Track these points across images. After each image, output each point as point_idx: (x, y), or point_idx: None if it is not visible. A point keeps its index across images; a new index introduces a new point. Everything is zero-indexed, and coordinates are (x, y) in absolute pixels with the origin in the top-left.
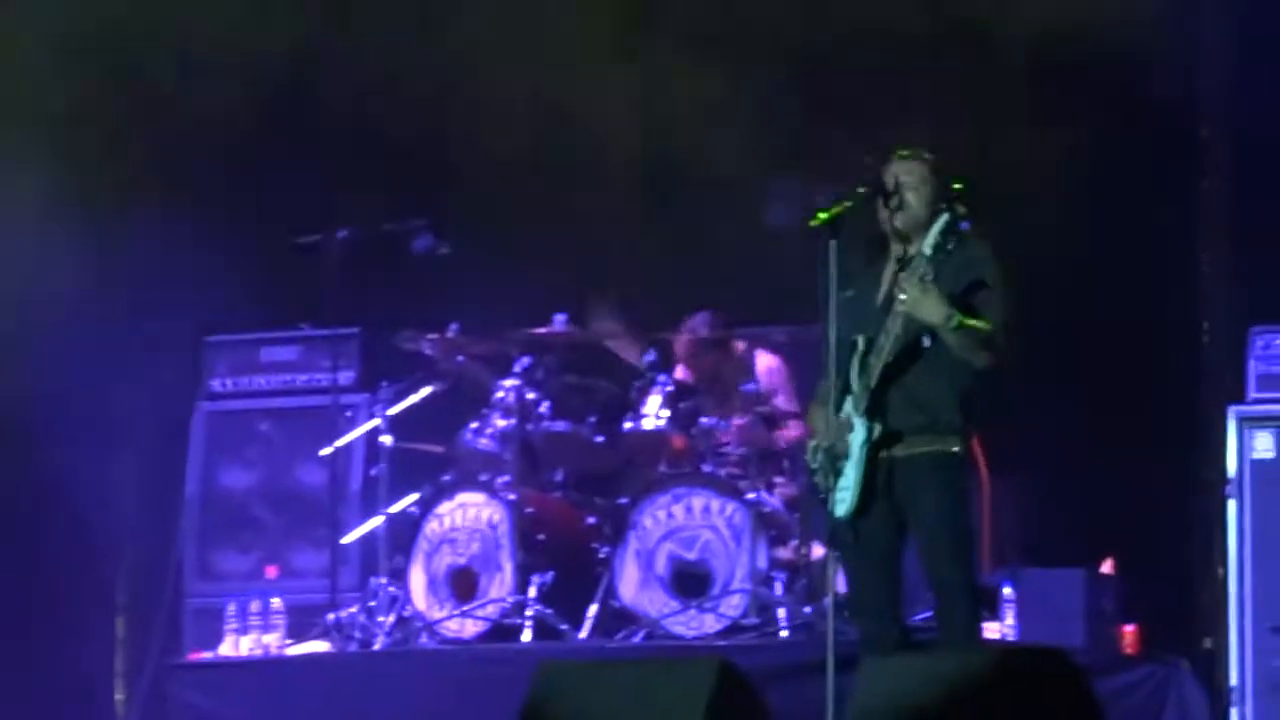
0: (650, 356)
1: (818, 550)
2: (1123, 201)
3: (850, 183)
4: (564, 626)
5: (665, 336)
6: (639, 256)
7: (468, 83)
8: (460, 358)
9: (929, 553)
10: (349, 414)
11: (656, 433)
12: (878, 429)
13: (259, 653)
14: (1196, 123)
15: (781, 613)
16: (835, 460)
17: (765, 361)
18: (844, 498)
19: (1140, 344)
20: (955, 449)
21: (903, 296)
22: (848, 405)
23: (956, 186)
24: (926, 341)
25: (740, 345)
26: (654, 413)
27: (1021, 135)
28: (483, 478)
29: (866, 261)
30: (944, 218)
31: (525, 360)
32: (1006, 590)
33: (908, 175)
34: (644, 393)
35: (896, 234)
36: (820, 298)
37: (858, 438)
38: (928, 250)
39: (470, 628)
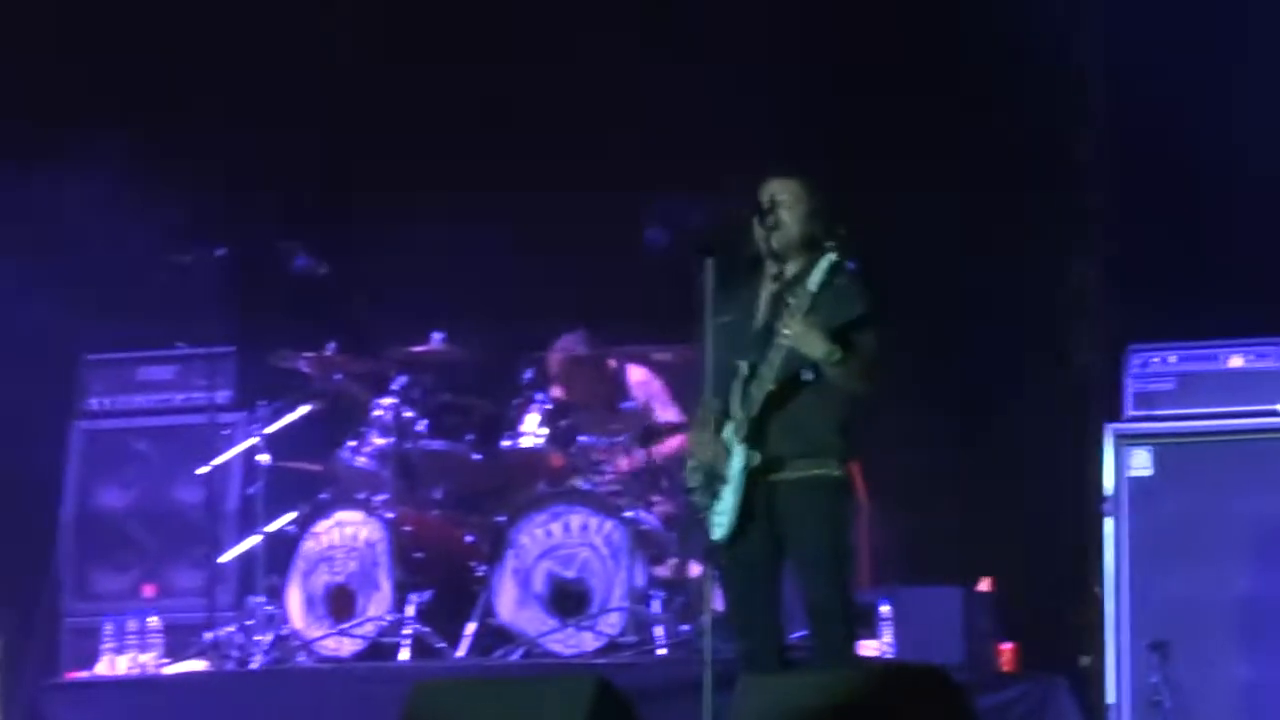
0: (528, 375)
1: (696, 568)
2: (1000, 222)
3: (726, 202)
4: (441, 645)
5: (541, 355)
6: (513, 275)
7: (351, 100)
8: (337, 376)
9: (805, 575)
10: (226, 433)
11: (535, 451)
12: (757, 457)
13: (136, 672)
14: (1075, 143)
15: (659, 631)
16: (713, 482)
17: (637, 375)
18: (721, 521)
19: (1017, 362)
20: (836, 473)
21: (786, 332)
22: (728, 429)
23: (841, 232)
24: (808, 375)
25: (612, 363)
26: (532, 431)
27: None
28: (360, 496)
29: (743, 281)
30: (830, 258)
31: (402, 379)
32: (884, 609)
33: (783, 194)
34: (522, 411)
35: (772, 253)
36: (697, 321)
37: (737, 464)
38: (813, 288)
39: (348, 646)
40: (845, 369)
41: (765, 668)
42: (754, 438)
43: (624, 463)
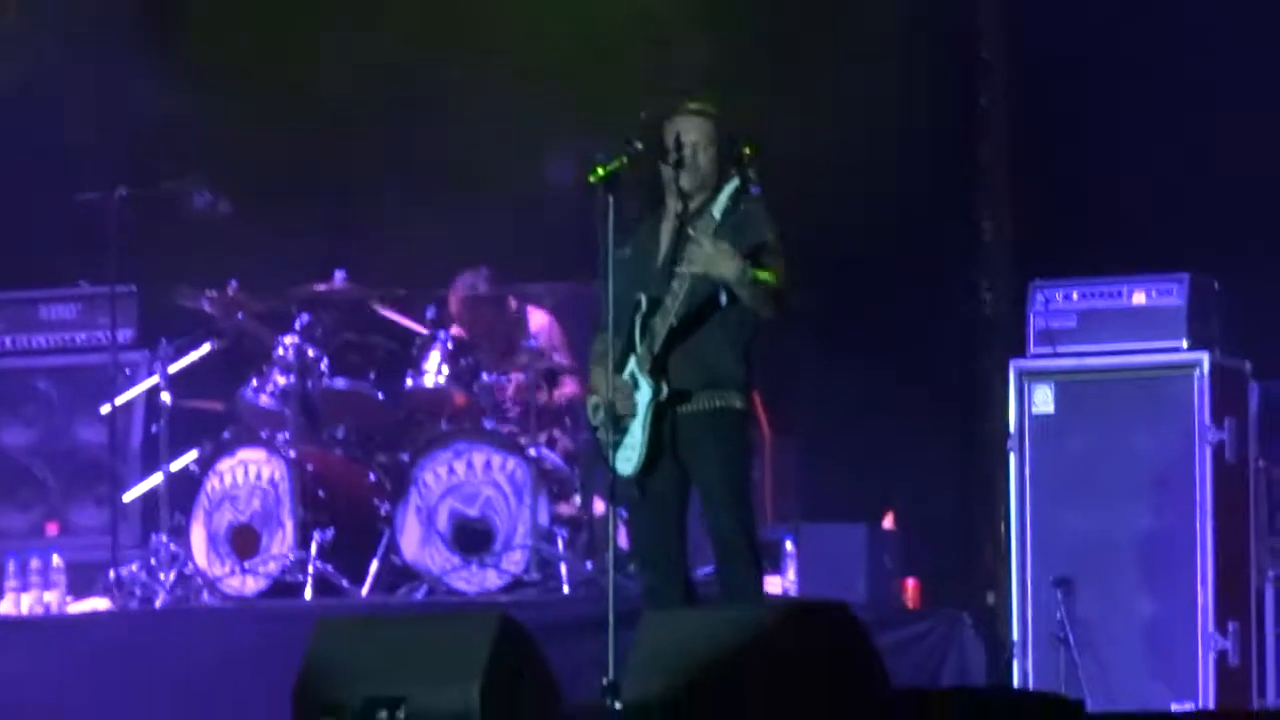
0: (430, 313)
1: (599, 506)
2: (903, 161)
3: (628, 139)
4: (345, 583)
5: (443, 293)
6: (414, 213)
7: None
8: (240, 315)
9: (710, 508)
10: (128, 372)
11: (437, 389)
12: (664, 389)
13: (40, 610)
14: (976, 86)
15: (563, 568)
16: (619, 419)
17: (538, 320)
18: (629, 455)
19: (921, 300)
20: (738, 404)
21: (693, 260)
22: (631, 364)
23: (747, 151)
24: (722, 299)
25: (513, 303)
26: (434, 370)
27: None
28: (263, 435)
29: (642, 218)
30: (735, 183)
31: (305, 317)
32: (788, 545)
33: (694, 133)
34: (424, 350)
35: (679, 192)
36: (599, 255)
37: (643, 397)
38: (717, 214)
39: (251, 584)
40: (756, 289)
41: (671, 603)
42: (658, 370)
43: (525, 400)
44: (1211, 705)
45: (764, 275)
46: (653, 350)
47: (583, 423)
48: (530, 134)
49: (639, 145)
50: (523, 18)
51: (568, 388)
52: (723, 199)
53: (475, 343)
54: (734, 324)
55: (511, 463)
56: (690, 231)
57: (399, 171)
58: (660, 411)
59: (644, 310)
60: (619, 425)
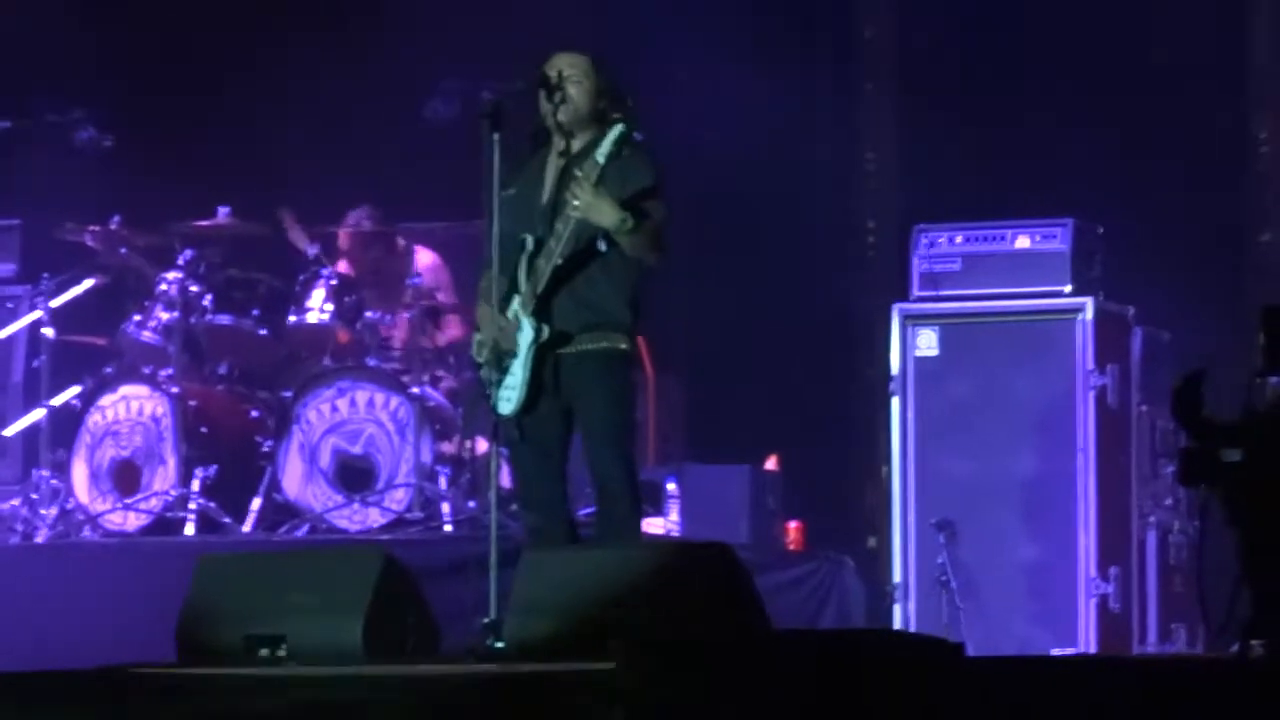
0: (313, 249)
1: (482, 445)
2: (787, 99)
3: (511, 76)
4: (227, 520)
5: (327, 230)
6: (299, 149)
7: None
8: (123, 250)
9: (590, 448)
10: (10, 306)
11: (320, 326)
12: (546, 331)
13: None
14: (861, 22)
15: (446, 507)
16: (501, 358)
17: (425, 259)
18: (509, 395)
19: (805, 242)
20: (623, 346)
21: (575, 203)
22: (514, 304)
23: (629, 101)
24: (602, 245)
25: (400, 241)
26: (318, 306)
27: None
28: (145, 370)
29: (527, 156)
30: (619, 129)
31: (188, 253)
32: (671, 486)
33: (571, 69)
34: (308, 286)
35: (559, 128)
36: (483, 193)
37: (525, 338)
38: (601, 159)
39: (133, 521)
40: (636, 237)
41: (553, 542)
42: (541, 312)
43: (409, 339)
44: (1093, 650)
45: (644, 224)
46: (536, 291)
47: (466, 362)
48: (415, 69)
49: (521, 82)
50: None
51: (452, 328)
52: (606, 145)
53: (361, 280)
54: (619, 266)
55: (395, 401)
56: (575, 173)
57: (286, 107)
58: (542, 353)
59: (529, 250)
60: (501, 365)
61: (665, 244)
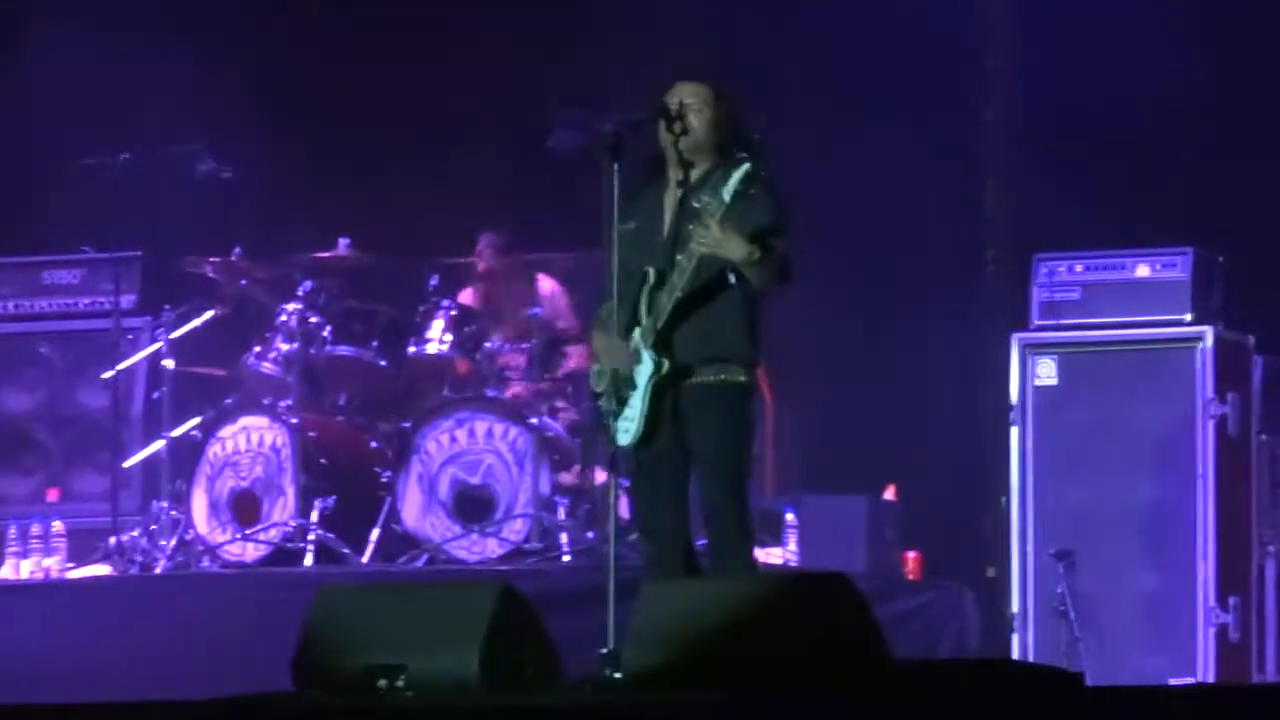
0: (433, 281)
1: (601, 475)
2: (909, 129)
3: (633, 107)
4: (346, 551)
5: (450, 261)
6: (421, 180)
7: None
8: (243, 281)
9: (704, 479)
10: (131, 337)
11: (440, 357)
12: (666, 364)
13: (40, 576)
14: (983, 51)
15: (564, 538)
16: (620, 388)
17: (547, 286)
18: (628, 428)
19: (925, 271)
20: (741, 378)
21: (703, 240)
22: (635, 337)
23: (757, 136)
24: (731, 278)
25: (524, 270)
26: (437, 337)
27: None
28: (265, 401)
29: (646, 185)
30: (745, 168)
31: (307, 284)
32: (789, 516)
33: (692, 98)
34: (428, 317)
35: (679, 158)
36: (603, 223)
37: (645, 371)
38: (727, 197)
39: (252, 552)
40: (763, 270)
41: (671, 572)
42: (662, 345)
43: (529, 370)
44: (1211, 679)
45: (769, 258)
46: (657, 325)
47: (585, 393)
48: (534, 102)
49: (643, 113)
50: None
51: (573, 359)
52: (733, 183)
53: (483, 310)
54: (740, 299)
55: (513, 431)
56: (695, 205)
57: (408, 137)
58: (661, 386)
59: (650, 283)
60: (620, 396)
61: (789, 276)
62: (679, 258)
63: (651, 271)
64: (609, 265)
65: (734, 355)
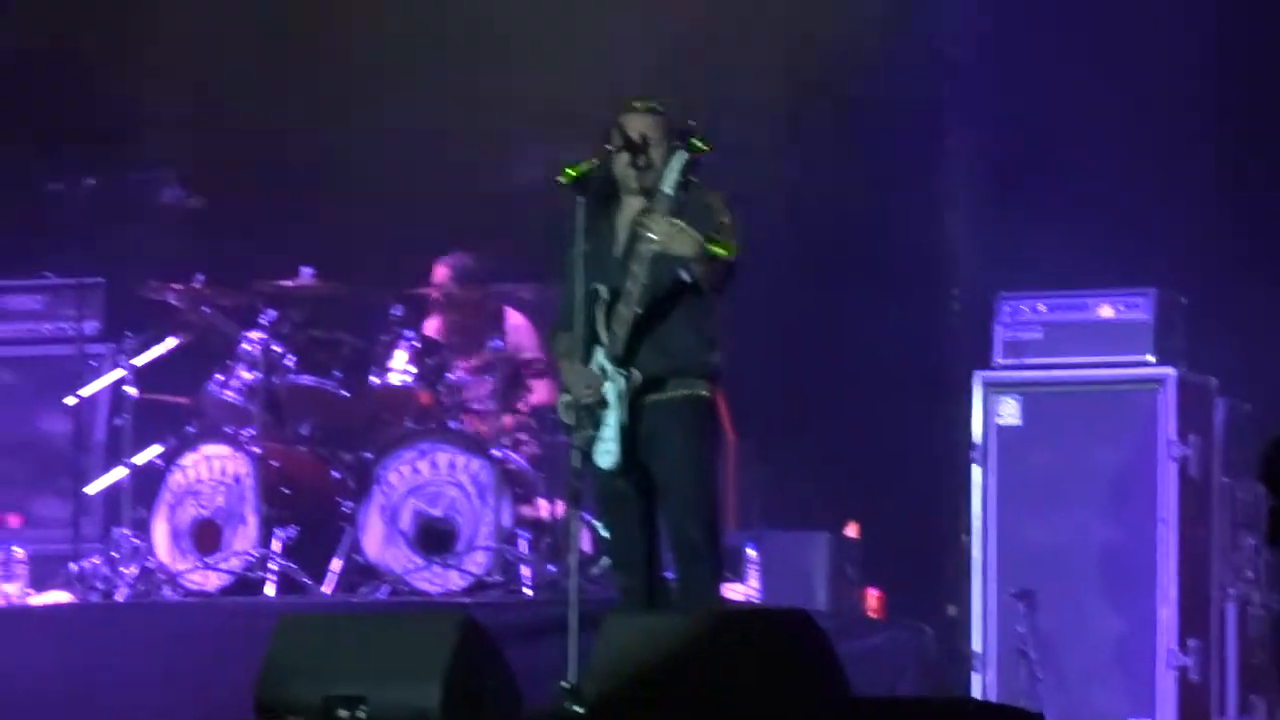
0: (396, 311)
1: (563, 508)
2: (871, 164)
3: (594, 139)
4: (307, 581)
5: (413, 291)
6: (385, 212)
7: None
8: (206, 309)
9: (671, 505)
10: (93, 363)
11: (403, 388)
12: (638, 376)
13: (0, 602)
14: (943, 84)
15: (525, 571)
16: (593, 413)
17: (515, 319)
18: (609, 449)
19: (889, 309)
20: (703, 392)
21: (652, 236)
22: (599, 356)
23: (691, 123)
24: (685, 275)
25: (490, 302)
26: (400, 368)
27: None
28: (228, 430)
29: (600, 213)
30: (683, 155)
31: (271, 313)
32: (751, 552)
33: (651, 130)
34: (390, 347)
35: (640, 189)
36: (560, 254)
37: (615, 387)
38: (669, 189)
39: (213, 580)
40: (714, 266)
41: (646, 603)
42: (627, 359)
43: (491, 402)
44: None
45: (721, 251)
46: (619, 340)
47: (549, 426)
48: (496, 134)
49: (609, 145)
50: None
51: (537, 392)
52: (673, 172)
53: (447, 339)
54: (698, 310)
55: (476, 463)
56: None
57: (373, 169)
58: (635, 400)
59: (605, 300)
60: (595, 419)
61: (735, 276)
62: (633, 267)
63: (603, 289)
64: (565, 295)
65: (695, 366)
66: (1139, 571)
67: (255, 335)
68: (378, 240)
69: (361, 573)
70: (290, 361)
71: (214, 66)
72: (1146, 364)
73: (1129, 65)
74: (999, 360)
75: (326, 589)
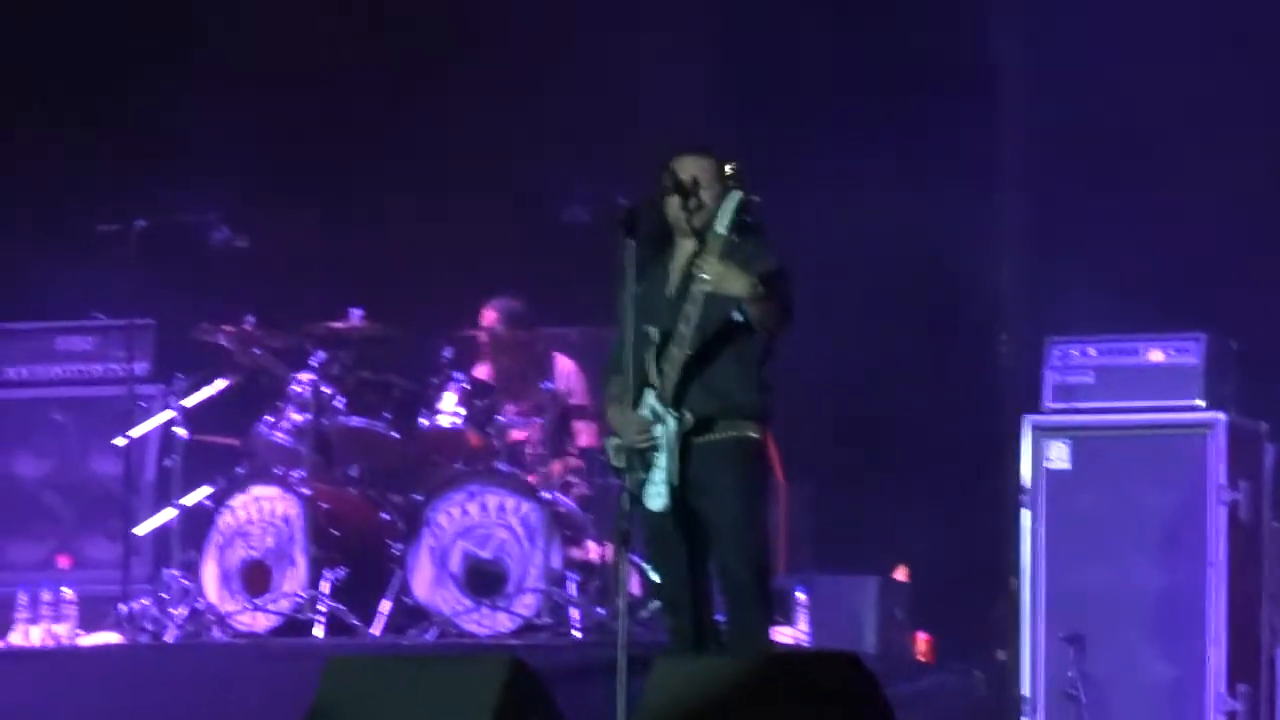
0: (447, 353)
1: (612, 550)
2: (923, 210)
3: (646, 181)
4: (356, 622)
5: (463, 333)
6: (434, 253)
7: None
8: (256, 350)
9: (721, 546)
10: (144, 405)
11: (452, 430)
12: (689, 417)
13: (50, 643)
14: (997, 134)
15: (575, 613)
16: (643, 455)
17: (564, 365)
18: (659, 491)
19: (938, 352)
20: (752, 434)
21: (704, 277)
22: (649, 399)
23: (734, 165)
24: (737, 315)
25: (539, 344)
26: (450, 409)
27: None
28: (277, 471)
29: (652, 256)
30: (736, 196)
31: (320, 354)
32: (800, 595)
33: (703, 173)
34: (440, 389)
35: (692, 231)
36: (615, 298)
37: (668, 429)
38: (722, 229)
39: (262, 621)
40: (769, 305)
41: (695, 645)
42: (678, 400)
43: (541, 445)
44: None
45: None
46: (671, 381)
47: (598, 469)
48: (547, 177)
49: (662, 186)
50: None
51: (585, 435)
52: (726, 215)
53: (496, 381)
54: (748, 351)
55: (525, 506)
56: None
57: (421, 210)
58: (687, 442)
59: (656, 342)
60: (645, 462)
61: (790, 316)
62: (685, 308)
63: (654, 331)
64: (619, 338)
65: (746, 408)
66: (1188, 616)
67: (305, 377)
68: (427, 282)
69: (410, 614)
70: (340, 403)
71: (262, 106)
72: (1196, 408)
73: (1184, 108)
74: (1049, 404)
75: (375, 630)
